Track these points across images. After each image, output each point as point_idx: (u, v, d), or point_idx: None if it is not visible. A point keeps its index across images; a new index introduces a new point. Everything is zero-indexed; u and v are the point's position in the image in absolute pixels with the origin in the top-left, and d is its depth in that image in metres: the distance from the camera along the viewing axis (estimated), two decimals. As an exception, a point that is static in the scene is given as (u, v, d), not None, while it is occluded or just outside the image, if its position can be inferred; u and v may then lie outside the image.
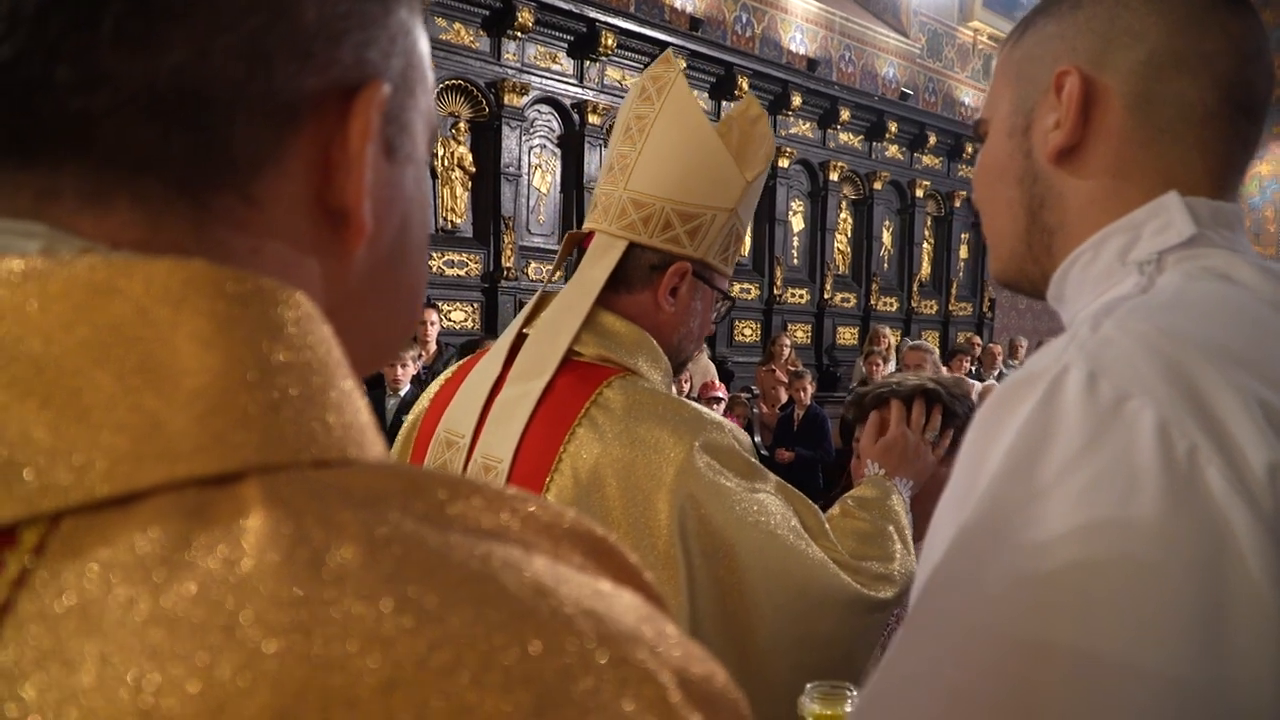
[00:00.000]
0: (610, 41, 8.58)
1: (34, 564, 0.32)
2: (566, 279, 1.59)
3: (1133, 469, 0.59)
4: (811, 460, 7.18)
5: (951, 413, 1.70)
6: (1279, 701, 0.56)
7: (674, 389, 1.51)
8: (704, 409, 1.36)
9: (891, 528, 1.45)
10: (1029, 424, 0.63)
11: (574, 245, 1.52)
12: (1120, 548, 0.58)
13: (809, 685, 1.04)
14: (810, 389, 7.36)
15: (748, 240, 10.32)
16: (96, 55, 0.38)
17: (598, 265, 1.40)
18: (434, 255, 7.57)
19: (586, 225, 1.48)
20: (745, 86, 9.71)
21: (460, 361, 1.52)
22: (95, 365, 0.34)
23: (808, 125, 10.88)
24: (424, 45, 0.51)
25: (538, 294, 1.48)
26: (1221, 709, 0.56)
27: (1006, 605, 0.61)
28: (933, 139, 12.17)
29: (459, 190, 8.08)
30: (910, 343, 7.77)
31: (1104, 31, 0.80)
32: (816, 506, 1.40)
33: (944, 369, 6.46)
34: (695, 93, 8.73)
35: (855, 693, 1.04)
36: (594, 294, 1.37)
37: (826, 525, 1.37)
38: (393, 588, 0.32)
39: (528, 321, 1.44)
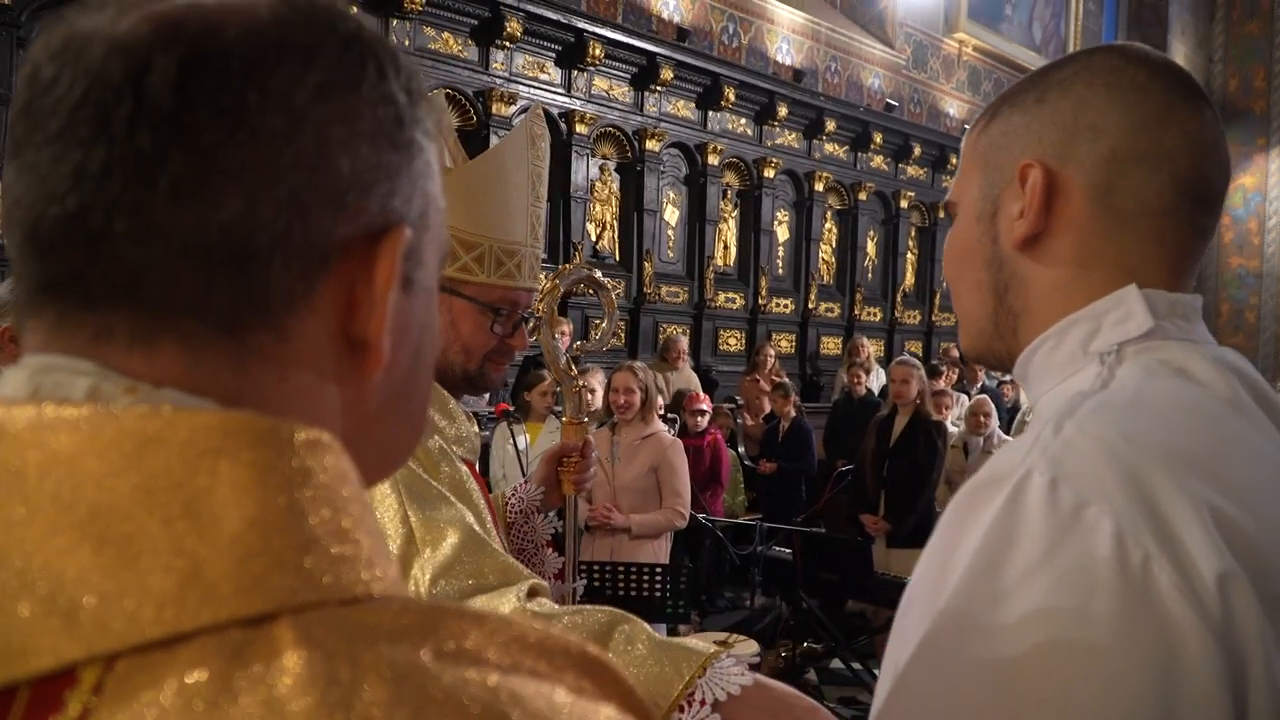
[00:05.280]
0: (598, 51, 8.60)
1: (93, 704, 0.35)
2: None
3: (1090, 577, 0.62)
4: (794, 473, 7.21)
5: None
6: None
7: (456, 406, 1.55)
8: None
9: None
10: (993, 528, 0.65)
11: None
12: (1078, 655, 0.61)
13: None
14: (794, 402, 7.38)
15: (733, 249, 10.36)
16: (152, 209, 0.42)
17: None
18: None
19: None
20: (732, 97, 9.75)
21: None
22: (144, 511, 0.38)
23: (793, 136, 10.93)
24: (438, 179, 0.54)
25: None
26: None
27: (968, 709, 0.63)
28: (917, 150, 12.25)
29: (445, 199, 8.09)
30: (897, 359, 7.81)
31: (1068, 126, 0.83)
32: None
33: (930, 383, 6.48)
34: (681, 102, 8.63)
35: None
36: None
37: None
38: None
39: None
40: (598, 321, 8.47)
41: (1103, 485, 0.65)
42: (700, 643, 1.30)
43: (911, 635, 0.69)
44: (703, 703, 1.22)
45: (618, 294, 9.10)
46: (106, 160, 0.42)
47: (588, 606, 1.38)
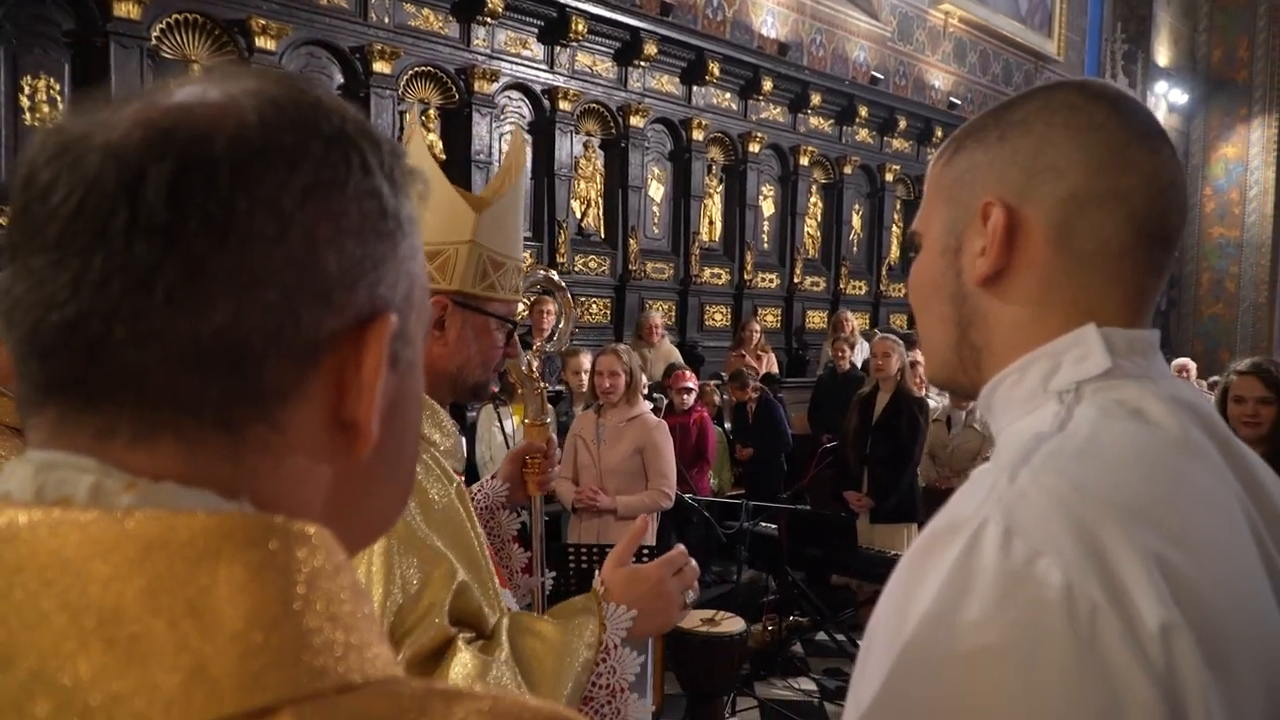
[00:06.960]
0: (581, 27, 8.54)
1: None
2: None
3: (1041, 626, 0.65)
4: (769, 453, 7.18)
5: None
6: None
7: (436, 417, 1.60)
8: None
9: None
10: (950, 576, 0.68)
11: None
12: (1028, 700, 0.64)
13: None
14: (754, 386, 7.25)
15: (718, 225, 10.35)
16: (150, 316, 0.44)
17: None
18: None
19: None
20: (716, 71, 9.70)
21: None
22: (150, 613, 0.40)
23: (778, 110, 10.90)
24: (421, 257, 0.55)
25: None
26: None
27: None
28: (903, 123, 12.23)
29: (429, 177, 8.05)
30: (879, 333, 7.82)
31: (1028, 166, 0.84)
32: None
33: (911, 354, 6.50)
34: (665, 78, 8.50)
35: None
36: None
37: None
38: None
39: None
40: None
41: (1054, 537, 0.67)
42: (580, 604, 1.52)
43: (872, 675, 0.72)
44: (615, 646, 1.48)
45: (603, 271, 9.10)
46: (105, 269, 0.44)
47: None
